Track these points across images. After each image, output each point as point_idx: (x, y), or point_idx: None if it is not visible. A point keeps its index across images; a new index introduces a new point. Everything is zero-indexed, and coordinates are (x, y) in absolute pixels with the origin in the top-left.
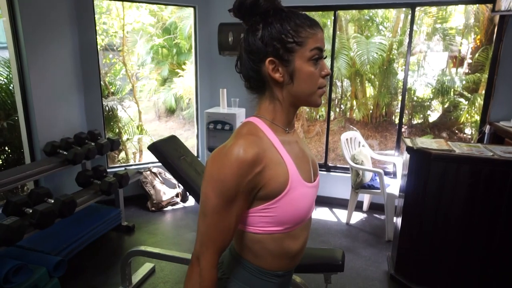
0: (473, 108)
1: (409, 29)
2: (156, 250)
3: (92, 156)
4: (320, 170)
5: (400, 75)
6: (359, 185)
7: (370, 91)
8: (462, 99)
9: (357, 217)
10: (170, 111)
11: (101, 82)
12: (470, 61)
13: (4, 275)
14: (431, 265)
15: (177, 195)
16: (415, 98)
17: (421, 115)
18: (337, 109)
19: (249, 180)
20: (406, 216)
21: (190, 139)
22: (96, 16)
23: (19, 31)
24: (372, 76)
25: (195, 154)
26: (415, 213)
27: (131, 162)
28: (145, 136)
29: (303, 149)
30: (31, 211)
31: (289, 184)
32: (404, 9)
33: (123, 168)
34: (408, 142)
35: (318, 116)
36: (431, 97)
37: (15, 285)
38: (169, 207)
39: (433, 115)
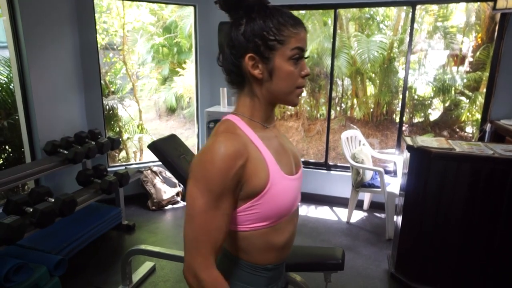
0: (474, 106)
1: (410, 27)
2: (156, 249)
3: (92, 155)
4: (320, 169)
5: (401, 74)
6: (359, 184)
7: (370, 89)
8: (463, 98)
9: (358, 215)
10: (171, 110)
11: (102, 81)
12: (471, 59)
13: (5, 274)
14: (432, 264)
15: (177, 194)
16: (416, 97)
17: (422, 114)
18: (338, 108)
19: (234, 174)
20: (406, 214)
21: (191, 138)
22: (96, 15)
23: (19, 30)
24: (373, 75)
25: (196, 153)
26: (415, 212)
27: (132, 161)
28: (145, 135)
29: (282, 144)
30: (31, 210)
31: (270, 179)
32: (405, 7)
33: (123, 167)
34: (409, 140)
35: (318, 115)
36: (432, 95)
37: (15, 284)
38: (170, 206)
39: (434, 114)
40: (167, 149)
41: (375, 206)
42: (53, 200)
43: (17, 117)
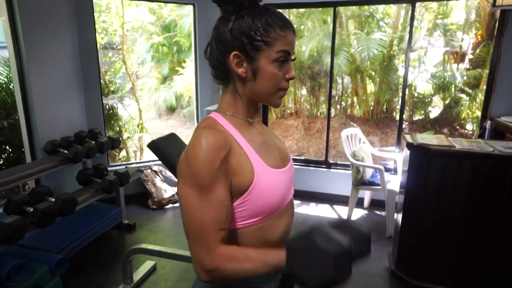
0: (474, 103)
1: (409, 25)
2: (157, 248)
3: (92, 155)
4: (321, 167)
5: (401, 71)
6: (359, 182)
7: (370, 87)
8: (463, 95)
9: (358, 213)
10: (171, 109)
11: (101, 81)
12: (471, 56)
13: (6, 273)
14: (432, 261)
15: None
16: (416, 94)
17: (422, 111)
18: (338, 106)
19: (220, 164)
20: (406, 212)
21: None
22: (96, 15)
23: (19, 29)
24: (373, 73)
25: None
26: (415, 209)
27: (132, 160)
28: (145, 134)
29: (266, 140)
30: (32, 209)
31: (255, 173)
32: (404, 4)
33: (123, 167)
34: (408, 138)
35: (318, 113)
36: (432, 93)
37: (17, 283)
38: (170, 205)
39: (434, 111)
40: (167, 148)
41: (376, 204)
42: (53, 199)
43: (17, 117)
